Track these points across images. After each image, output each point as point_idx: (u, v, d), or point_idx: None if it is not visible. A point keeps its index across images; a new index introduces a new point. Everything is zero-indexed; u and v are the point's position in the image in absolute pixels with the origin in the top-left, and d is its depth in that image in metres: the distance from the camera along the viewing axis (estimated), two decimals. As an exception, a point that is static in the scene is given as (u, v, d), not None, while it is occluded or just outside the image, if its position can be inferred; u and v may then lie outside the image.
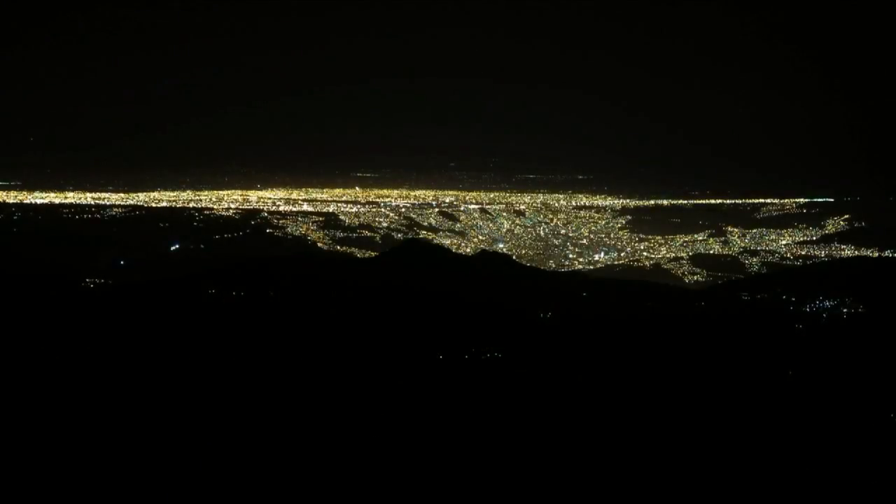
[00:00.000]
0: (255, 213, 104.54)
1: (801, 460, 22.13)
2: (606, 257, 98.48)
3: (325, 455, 21.68)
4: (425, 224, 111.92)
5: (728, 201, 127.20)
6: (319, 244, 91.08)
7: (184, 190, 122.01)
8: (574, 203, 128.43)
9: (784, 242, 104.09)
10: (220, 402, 25.55)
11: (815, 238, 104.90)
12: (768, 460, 22.03)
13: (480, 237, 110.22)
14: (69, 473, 19.62)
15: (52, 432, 22.09)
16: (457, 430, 23.85)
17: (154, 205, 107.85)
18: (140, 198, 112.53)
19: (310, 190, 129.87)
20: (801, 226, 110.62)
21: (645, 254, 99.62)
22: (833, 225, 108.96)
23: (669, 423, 25.03)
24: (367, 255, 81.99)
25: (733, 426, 24.77)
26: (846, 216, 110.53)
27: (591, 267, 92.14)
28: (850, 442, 23.36)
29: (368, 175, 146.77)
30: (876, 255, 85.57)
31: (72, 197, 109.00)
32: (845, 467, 21.54)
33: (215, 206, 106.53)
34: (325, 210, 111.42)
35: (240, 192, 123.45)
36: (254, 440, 22.30)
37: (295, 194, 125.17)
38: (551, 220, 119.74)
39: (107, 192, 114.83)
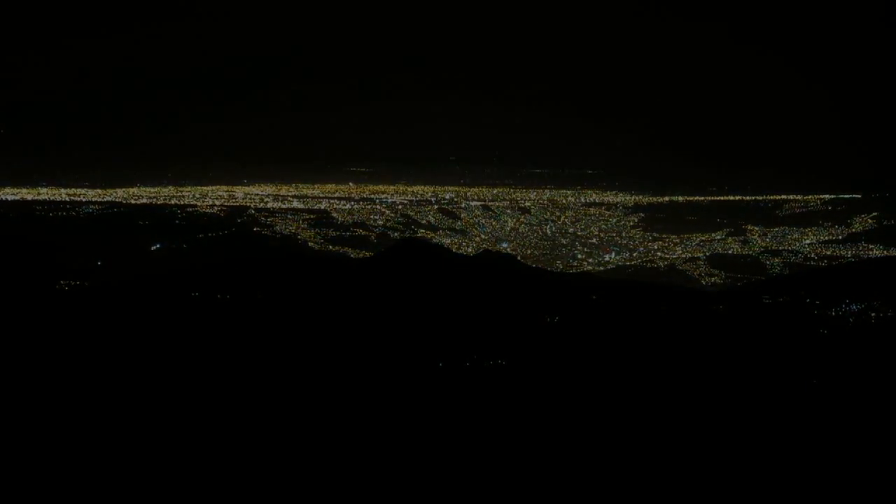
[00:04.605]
0: (241, 210, 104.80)
1: (825, 471, 22.17)
2: (617, 258, 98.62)
3: (316, 471, 21.71)
4: (424, 222, 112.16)
5: (748, 198, 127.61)
6: (310, 243, 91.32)
7: (165, 185, 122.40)
8: (583, 200, 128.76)
9: (808, 242, 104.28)
10: (205, 412, 25.60)
11: (840, 237, 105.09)
12: (792, 471, 22.08)
13: (483, 236, 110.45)
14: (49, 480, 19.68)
15: (32, 439, 22.18)
16: (458, 443, 23.88)
17: (133, 201, 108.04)
18: (118, 194, 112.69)
19: (300, 186, 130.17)
20: (826, 224, 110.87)
21: (659, 254, 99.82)
22: (860, 223, 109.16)
23: (688, 437, 25.07)
24: (361, 255, 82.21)
25: (755, 437, 24.81)
26: (874, 214, 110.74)
27: (602, 268, 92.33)
28: (878, 453, 23.41)
29: (363, 170, 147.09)
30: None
31: (45, 193, 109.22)
32: (871, 479, 21.60)
33: (199, 203, 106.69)
34: (316, 207, 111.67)
35: (225, 187, 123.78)
36: (240, 454, 22.33)
37: (284, 190, 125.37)
38: (558, 217, 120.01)
39: (83, 187, 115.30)
